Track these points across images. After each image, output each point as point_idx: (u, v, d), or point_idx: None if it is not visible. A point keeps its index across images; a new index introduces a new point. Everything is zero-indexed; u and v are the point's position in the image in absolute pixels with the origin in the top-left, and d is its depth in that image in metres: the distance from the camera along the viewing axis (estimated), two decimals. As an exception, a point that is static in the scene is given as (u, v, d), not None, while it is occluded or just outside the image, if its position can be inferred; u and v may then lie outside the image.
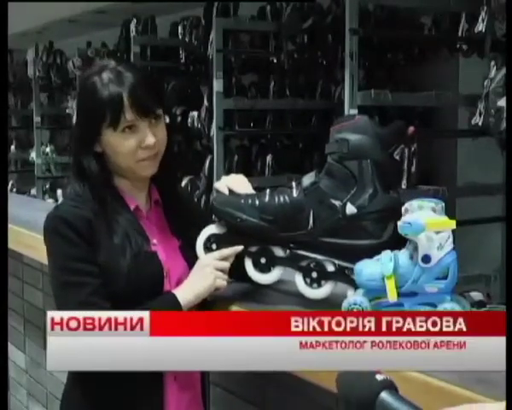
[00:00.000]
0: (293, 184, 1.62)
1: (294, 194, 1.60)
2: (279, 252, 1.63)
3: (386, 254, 1.43)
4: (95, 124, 1.61)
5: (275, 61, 4.84)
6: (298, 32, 4.55)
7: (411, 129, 1.60)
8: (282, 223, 1.59)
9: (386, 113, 4.07)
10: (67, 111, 6.99)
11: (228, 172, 4.64)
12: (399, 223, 1.41)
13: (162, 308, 1.50)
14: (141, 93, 1.61)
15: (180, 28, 5.30)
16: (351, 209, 1.55)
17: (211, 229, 1.67)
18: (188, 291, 1.61)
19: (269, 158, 4.83)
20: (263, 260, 1.63)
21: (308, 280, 1.59)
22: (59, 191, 7.22)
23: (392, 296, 1.39)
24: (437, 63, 4.23)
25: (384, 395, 1.02)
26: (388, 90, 3.47)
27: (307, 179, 1.61)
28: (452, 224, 1.39)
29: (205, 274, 1.62)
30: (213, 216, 1.70)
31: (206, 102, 4.83)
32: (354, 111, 3.25)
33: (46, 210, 1.68)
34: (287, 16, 4.56)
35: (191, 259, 1.70)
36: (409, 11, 4.28)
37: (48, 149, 7.45)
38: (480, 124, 3.40)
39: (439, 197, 1.50)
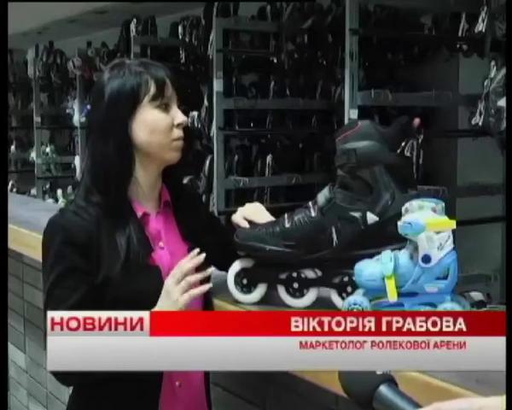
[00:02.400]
0: (310, 203, 1.61)
1: (312, 214, 1.58)
2: (310, 274, 1.62)
3: (386, 254, 1.43)
4: (135, 98, 1.61)
5: (275, 61, 4.83)
6: (298, 32, 4.55)
7: (417, 121, 1.57)
8: (306, 246, 1.58)
9: (386, 113, 4.08)
10: (67, 111, 7.00)
11: (228, 172, 4.65)
12: (399, 223, 1.41)
13: None
14: (173, 74, 1.69)
15: (180, 28, 5.30)
16: (372, 218, 1.54)
17: (240, 264, 1.68)
18: None
19: (269, 158, 4.83)
20: (295, 285, 1.62)
21: (344, 295, 1.57)
22: (59, 191, 7.23)
23: (392, 296, 1.39)
24: (437, 63, 4.23)
25: (383, 388, 1.03)
26: (388, 90, 3.47)
27: (322, 197, 1.59)
28: (452, 224, 1.39)
29: (174, 302, 1.54)
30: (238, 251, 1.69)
31: (206, 102, 4.83)
32: (354, 111, 3.25)
33: (46, 210, 1.68)
34: (287, 16, 4.57)
35: (199, 264, 1.70)
36: (409, 11, 4.28)
37: (48, 149, 7.46)
38: (480, 124, 3.40)
39: (439, 197, 1.49)
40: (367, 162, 1.53)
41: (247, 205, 1.78)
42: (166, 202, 1.72)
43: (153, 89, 1.63)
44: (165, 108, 1.65)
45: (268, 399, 1.84)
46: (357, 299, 1.44)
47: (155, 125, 1.63)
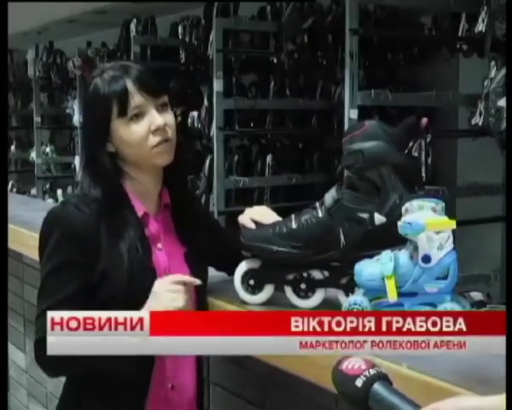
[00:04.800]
0: (317, 204, 1.60)
1: (320, 214, 1.57)
2: (317, 274, 1.61)
3: (386, 254, 1.43)
4: (104, 119, 1.59)
5: (275, 61, 4.84)
6: (298, 32, 4.55)
7: (424, 120, 1.56)
8: (313, 247, 1.58)
9: (386, 113, 4.08)
10: (67, 111, 7.00)
11: (228, 172, 4.65)
12: (399, 223, 1.41)
13: None
14: (146, 76, 1.62)
15: (180, 28, 5.30)
16: (379, 219, 1.53)
17: (247, 264, 1.66)
18: None
19: (269, 158, 4.83)
20: (303, 286, 1.62)
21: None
22: (59, 191, 7.23)
23: (392, 296, 1.39)
24: (437, 63, 4.23)
25: (377, 386, 1.03)
26: (388, 90, 3.48)
27: (329, 197, 1.58)
28: (452, 224, 1.39)
29: (159, 298, 1.52)
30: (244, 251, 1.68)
31: (206, 102, 4.83)
32: (354, 111, 3.25)
33: (46, 210, 1.67)
34: (287, 16, 4.57)
35: (195, 267, 1.69)
36: (409, 11, 4.28)
37: (48, 149, 7.45)
38: (480, 124, 3.40)
39: (439, 197, 1.49)
40: (374, 163, 1.52)
41: (255, 207, 1.76)
42: (166, 204, 1.72)
43: (114, 108, 1.59)
44: (138, 117, 1.59)
45: (268, 399, 1.84)
46: (358, 299, 1.44)
47: (128, 140, 1.60)
